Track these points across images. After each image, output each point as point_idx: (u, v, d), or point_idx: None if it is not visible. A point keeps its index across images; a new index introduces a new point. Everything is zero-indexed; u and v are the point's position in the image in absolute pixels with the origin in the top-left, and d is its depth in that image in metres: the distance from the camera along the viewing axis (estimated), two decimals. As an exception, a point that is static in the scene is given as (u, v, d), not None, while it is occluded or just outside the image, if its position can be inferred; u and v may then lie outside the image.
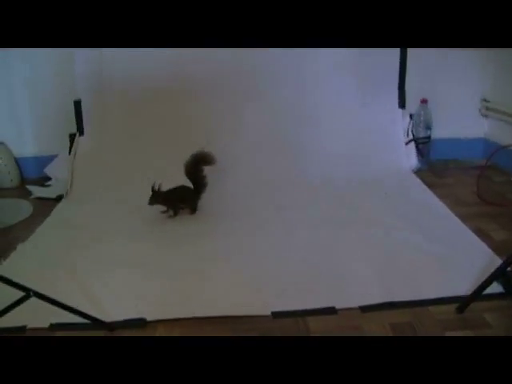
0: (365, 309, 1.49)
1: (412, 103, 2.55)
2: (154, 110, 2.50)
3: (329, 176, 2.37)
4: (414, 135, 2.54)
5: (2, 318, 1.27)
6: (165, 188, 2.06)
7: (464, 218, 1.97)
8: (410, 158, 2.51)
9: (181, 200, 2.10)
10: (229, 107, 2.50)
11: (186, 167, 2.09)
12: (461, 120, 2.65)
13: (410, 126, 2.54)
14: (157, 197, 2.04)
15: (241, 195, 2.25)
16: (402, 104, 2.55)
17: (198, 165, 2.11)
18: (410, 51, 2.49)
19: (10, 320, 1.31)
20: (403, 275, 1.63)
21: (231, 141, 2.47)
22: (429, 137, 2.56)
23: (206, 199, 2.18)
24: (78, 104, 2.47)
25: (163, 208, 2.09)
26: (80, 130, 2.49)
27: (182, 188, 2.09)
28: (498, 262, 1.61)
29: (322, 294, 1.55)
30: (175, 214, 2.09)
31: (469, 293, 1.47)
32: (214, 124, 2.49)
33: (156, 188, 2.03)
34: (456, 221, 1.97)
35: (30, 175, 2.61)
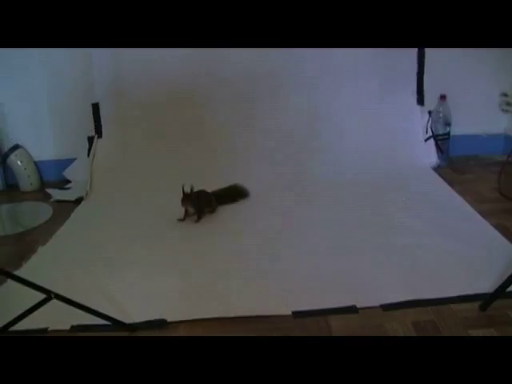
0: (386, 307, 1.47)
1: (431, 100, 2.52)
2: (173, 111, 2.51)
3: (346, 175, 2.35)
4: (433, 132, 2.51)
5: (24, 320, 1.27)
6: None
7: (485, 215, 1.94)
8: (429, 155, 2.49)
9: (207, 204, 2.10)
10: (248, 107, 2.49)
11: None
12: (480, 116, 2.61)
13: (429, 123, 2.51)
14: (188, 199, 2.02)
15: (258, 195, 2.24)
16: (420, 101, 2.53)
17: (232, 196, 2.17)
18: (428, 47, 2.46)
19: (32, 322, 1.31)
20: (425, 273, 1.61)
21: (249, 140, 2.47)
22: (448, 133, 2.53)
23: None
24: (96, 106, 2.48)
25: (181, 215, 2.06)
26: (98, 132, 2.50)
27: (204, 192, 2.09)
28: (521, 258, 1.59)
29: (343, 293, 1.54)
30: (200, 218, 2.07)
31: (492, 290, 1.45)
32: (233, 125, 2.49)
33: (188, 190, 2.00)
34: (477, 218, 1.94)
35: (50, 178, 2.63)
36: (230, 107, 2.50)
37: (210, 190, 2.11)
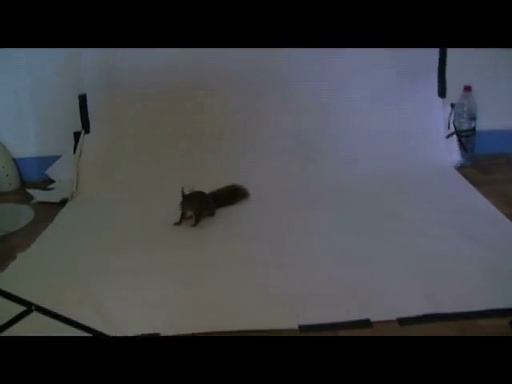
0: (404, 321, 1.46)
1: (454, 91, 2.52)
2: (169, 106, 2.51)
3: (360, 175, 2.35)
4: (456, 127, 2.51)
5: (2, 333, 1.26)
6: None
7: None
8: (451, 153, 2.48)
9: (205, 206, 2.09)
10: (250, 104, 2.50)
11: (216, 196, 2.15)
12: (509, 109, 2.61)
13: (452, 117, 2.50)
14: (188, 201, 2.01)
15: (261, 198, 2.23)
16: (442, 92, 2.52)
17: (231, 198, 2.18)
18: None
19: (10, 334, 1.27)
20: (447, 284, 1.60)
21: (251, 139, 2.48)
22: (473, 129, 2.52)
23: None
24: (83, 99, 2.47)
25: (177, 218, 2.06)
26: (86, 127, 2.49)
27: (202, 194, 2.08)
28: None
29: (355, 305, 1.53)
30: (197, 221, 2.06)
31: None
32: (233, 123, 2.49)
33: (187, 192, 1.99)
34: (506, 223, 1.94)
35: (31, 178, 2.61)
36: (230, 104, 2.51)
37: (207, 190, 2.11)
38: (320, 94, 2.50)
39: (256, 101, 2.50)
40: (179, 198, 2.00)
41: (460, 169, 2.44)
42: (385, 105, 2.51)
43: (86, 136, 2.49)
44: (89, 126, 2.49)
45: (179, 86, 2.48)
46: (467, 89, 2.50)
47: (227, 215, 2.13)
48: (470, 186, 2.26)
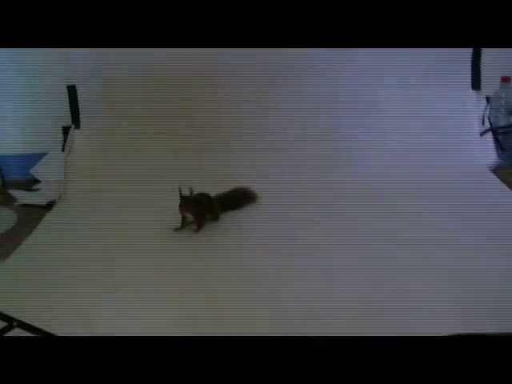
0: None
1: (489, 83, 2.50)
2: (168, 100, 2.50)
3: (382, 177, 2.33)
4: (491, 123, 2.49)
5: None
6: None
7: None
8: (486, 152, 2.47)
9: (208, 210, 2.07)
10: (257, 96, 2.50)
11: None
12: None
13: (487, 112, 2.49)
14: (187, 204, 1.99)
15: (269, 202, 2.21)
16: (476, 84, 2.51)
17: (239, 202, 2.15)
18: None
19: None
20: (484, 300, 1.55)
21: (258, 134, 2.48)
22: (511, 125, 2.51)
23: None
24: (72, 90, 2.47)
25: (178, 223, 2.04)
26: (75, 121, 2.49)
27: (206, 196, 2.05)
28: None
29: (379, 322, 1.49)
30: (200, 227, 2.04)
31: None
32: (238, 118, 2.49)
33: (186, 193, 1.97)
34: None
35: (14, 177, 2.61)
36: (235, 97, 2.50)
37: (210, 191, 2.08)
38: (337, 86, 2.50)
39: (265, 93, 2.49)
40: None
41: (496, 170, 2.41)
42: (410, 99, 2.50)
43: (76, 131, 2.49)
44: (79, 121, 2.50)
45: (179, 77, 2.47)
46: (505, 80, 2.47)
47: (232, 220, 2.10)
48: (508, 190, 2.23)
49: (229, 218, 2.12)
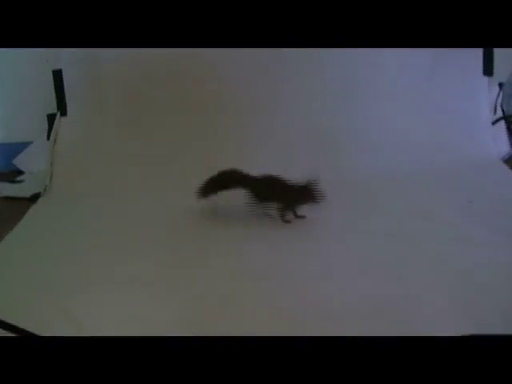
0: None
1: (502, 68, 2.49)
2: (165, 83, 2.49)
3: (388, 170, 2.31)
4: (504, 111, 2.49)
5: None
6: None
7: None
8: (498, 142, 2.46)
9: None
10: (265, 83, 2.49)
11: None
12: None
13: (500, 100, 2.48)
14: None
15: None
16: (488, 70, 2.49)
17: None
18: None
19: None
20: (495, 300, 1.54)
21: (262, 128, 2.46)
22: None
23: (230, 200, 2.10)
24: (58, 74, 2.44)
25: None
26: (62, 108, 2.46)
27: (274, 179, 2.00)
28: None
29: (383, 322, 1.47)
30: (284, 217, 1.99)
31: None
32: (240, 106, 2.48)
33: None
34: None
35: (-4, 168, 2.62)
36: (240, 82, 2.48)
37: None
38: (341, 69, 2.49)
39: (264, 78, 2.48)
40: (177, 195, 2.00)
41: (509, 161, 2.41)
42: (417, 85, 2.48)
43: (63, 119, 2.46)
44: (66, 108, 2.47)
45: (177, 60, 2.45)
46: (519, 65, 2.46)
47: (230, 218, 2.08)
48: None
49: (228, 213, 2.10)
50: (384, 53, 2.41)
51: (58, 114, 2.46)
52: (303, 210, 2.00)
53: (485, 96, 2.49)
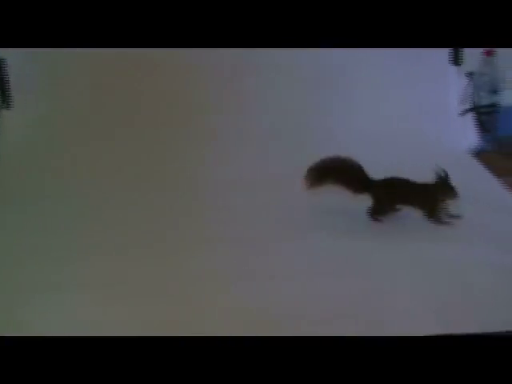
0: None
1: (471, 56, 2.48)
2: (126, 73, 2.50)
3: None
4: (473, 102, 2.48)
5: None
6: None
7: None
8: (467, 134, 2.47)
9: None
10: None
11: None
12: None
13: (469, 90, 2.48)
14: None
15: (238, 194, 2.18)
16: (456, 58, 2.50)
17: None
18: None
19: None
20: (465, 297, 1.56)
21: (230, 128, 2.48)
22: (495, 104, 2.49)
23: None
24: (1, 63, 2.42)
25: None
26: (6, 101, 2.45)
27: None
28: None
29: (353, 323, 1.49)
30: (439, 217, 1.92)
31: None
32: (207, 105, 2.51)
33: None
34: None
35: None
36: (202, 74, 2.51)
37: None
38: (307, 67, 2.53)
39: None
40: (135, 196, 2.04)
41: (479, 154, 2.41)
42: (385, 76, 2.51)
43: (7, 113, 2.45)
44: (10, 100, 2.45)
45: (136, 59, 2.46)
46: (488, 53, 2.43)
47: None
48: (491, 177, 2.23)
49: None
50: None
51: (2, 106, 2.44)
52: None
53: (453, 86, 2.51)
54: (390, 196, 1.95)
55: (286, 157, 2.39)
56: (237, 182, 2.24)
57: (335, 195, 2.03)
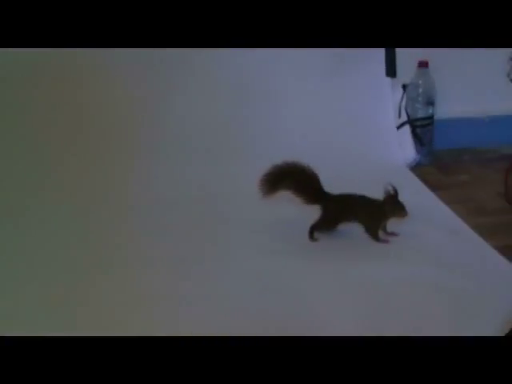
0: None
1: (406, 68, 2.50)
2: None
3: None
4: (408, 115, 2.49)
5: None
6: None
7: (486, 233, 1.93)
8: (403, 148, 2.48)
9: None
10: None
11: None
12: (479, 90, 2.60)
13: (404, 102, 2.49)
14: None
15: (157, 210, 2.16)
16: (390, 70, 2.50)
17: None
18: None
19: None
20: (400, 315, 1.57)
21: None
22: (431, 117, 2.51)
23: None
24: None
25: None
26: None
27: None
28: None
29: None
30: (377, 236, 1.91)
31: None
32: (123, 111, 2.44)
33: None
34: (474, 237, 1.93)
35: None
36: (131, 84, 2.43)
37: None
38: (235, 70, 2.49)
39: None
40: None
41: (415, 168, 2.44)
42: (319, 88, 2.50)
43: None
44: None
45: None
46: (423, 64, 2.46)
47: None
48: (428, 190, 2.25)
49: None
50: (283, 53, 2.41)
51: None
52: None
53: (387, 99, 2.52)
54: (339, 212, 1.94)
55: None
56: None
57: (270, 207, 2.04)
